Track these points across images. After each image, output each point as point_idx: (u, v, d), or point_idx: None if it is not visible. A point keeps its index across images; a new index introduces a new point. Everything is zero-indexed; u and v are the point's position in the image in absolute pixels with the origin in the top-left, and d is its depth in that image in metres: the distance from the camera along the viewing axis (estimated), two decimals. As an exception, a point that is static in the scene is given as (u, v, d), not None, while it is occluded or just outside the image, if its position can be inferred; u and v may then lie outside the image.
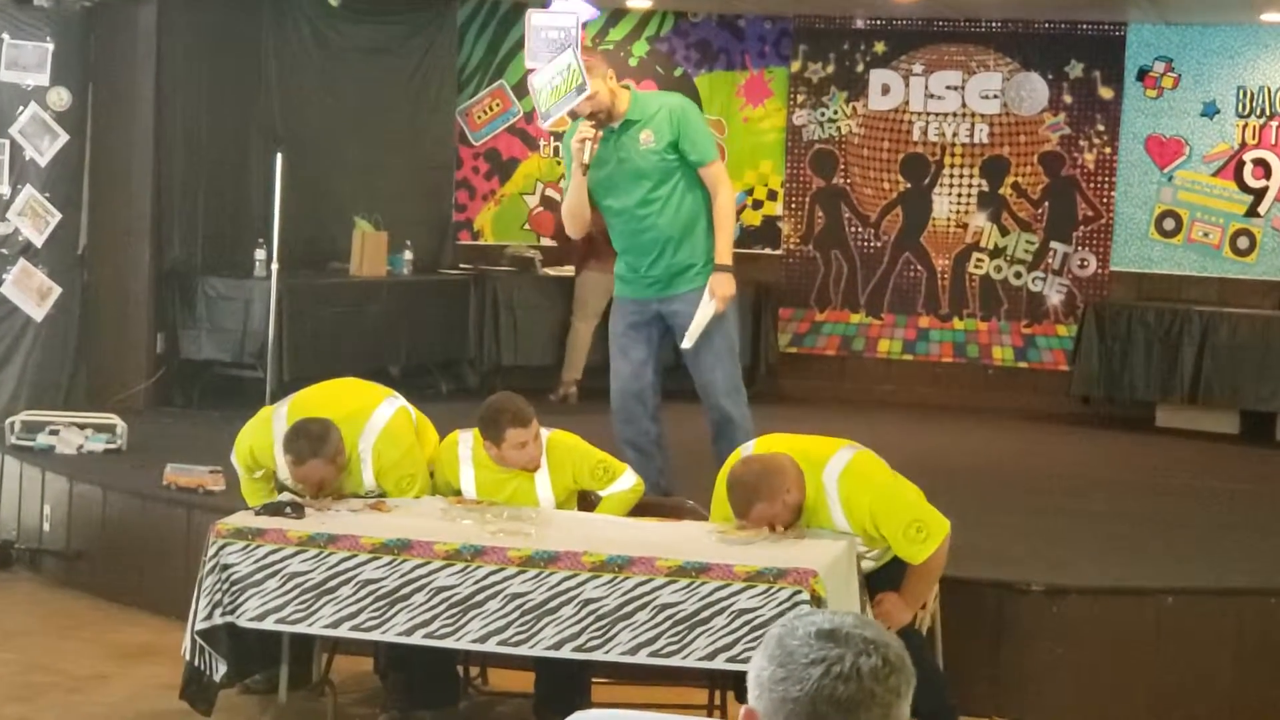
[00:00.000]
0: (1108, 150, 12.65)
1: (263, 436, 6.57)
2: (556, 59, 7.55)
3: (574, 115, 7.64)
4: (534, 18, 8.06)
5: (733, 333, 7.82)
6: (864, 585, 6.00)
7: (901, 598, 6.00)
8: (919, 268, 13.01)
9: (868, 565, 6.09)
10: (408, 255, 12.07)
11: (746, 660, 5.45)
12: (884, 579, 6.10)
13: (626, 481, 6.53)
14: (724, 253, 7.62)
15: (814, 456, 6.06)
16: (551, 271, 12.66)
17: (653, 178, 7.61)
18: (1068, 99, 12.72)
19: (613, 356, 7.93)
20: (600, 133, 7.55)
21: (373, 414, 6.55)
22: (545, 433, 6.52)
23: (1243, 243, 12.37)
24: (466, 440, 6.56)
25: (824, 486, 5.98)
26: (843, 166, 13.09)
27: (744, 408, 7.75)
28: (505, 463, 6.43)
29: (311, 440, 6.27)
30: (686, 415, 11.87)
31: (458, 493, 6.54)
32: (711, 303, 7.54)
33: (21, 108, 10.35)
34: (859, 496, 5.96)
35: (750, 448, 6.26)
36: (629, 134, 7.61)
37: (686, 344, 7.59)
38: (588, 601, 5.64)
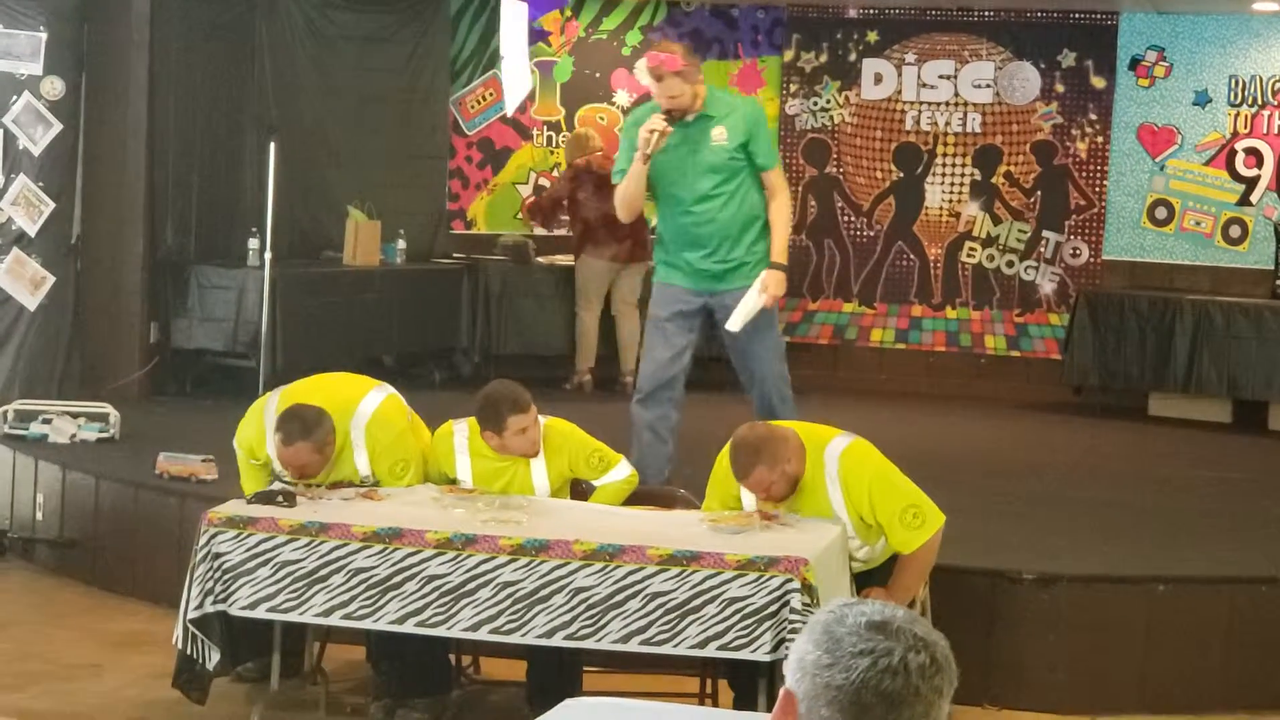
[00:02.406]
0: (1100, 139, 12.66)
1: (256, 428, 6.59)
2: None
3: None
4: (507, 8, 8.09)
5: (778, 325, 8.06)
6: (853, 579, 6.02)
7: (889, 592, 6.02)
8: (911, 257, 13.02)
9: (856, 566, 6.10)
10: (401, 244, 12.07)
11: (738, 648, 5.53)
12: (873, 579, 6.12)
13: (621, 472, 6.55)
14: (779, 252, 7.81)
15: (816, 437, 6.11)
16: (545, 260, 12.66)
17: (721, 173, 7.74)
18: (1060, 88, 12.73)
19: (650, 338, 8.01)
20: (671, 128, 7.64)
21: (363, 400, 6.58)
22: (541, 419, 6.54)
23: (1235, 231, 12.38)
24: (462, 430, 6.57)
25: (824, 465, 6.01)
26: (835, 156, 13.09)
27: (790, 393, 7.92)
28: (507, 450, 6.43)
29: (304, 424, 6.29)
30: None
31: (452, 482, 6.55)
32: (762, 296, 7.67)
33: (15, 97, 10.35)
34: (858, 477, 5.99)
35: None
36: (702, 127, 7.73)
37: (733, 327, 7.69)
38: (579, 590, 5.65)
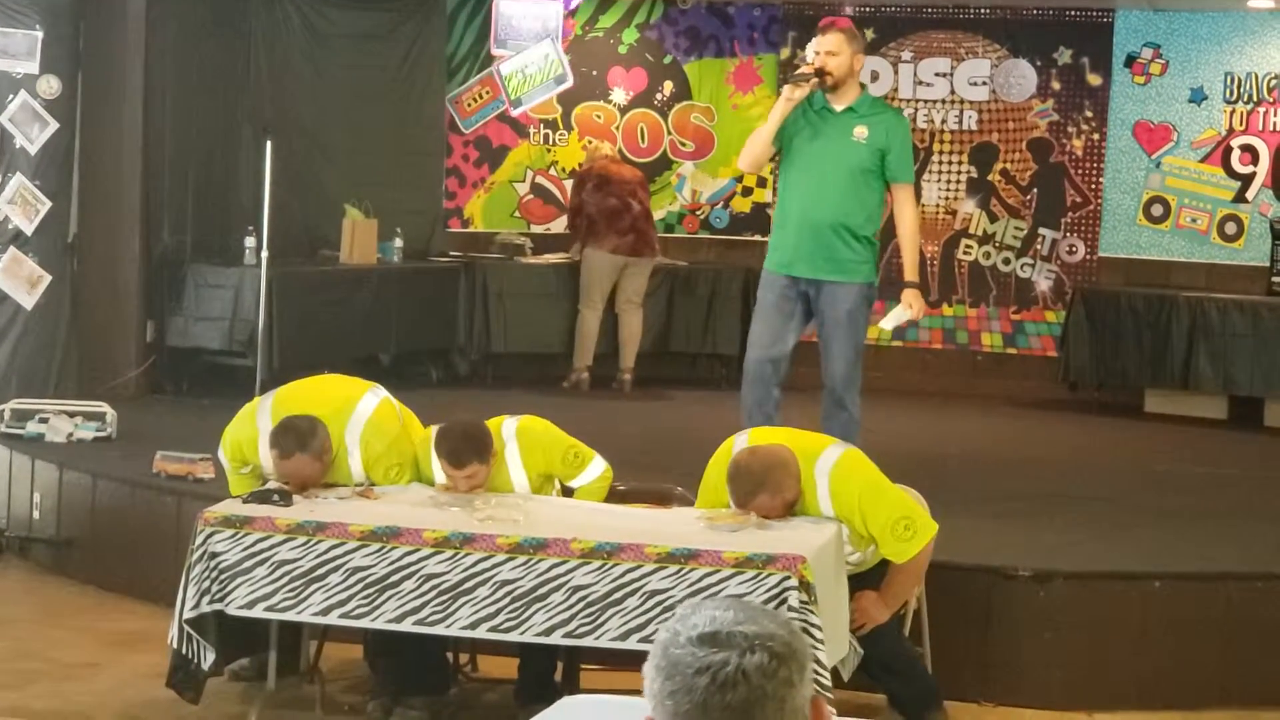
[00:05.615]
0: (1096, 136, 12.66)
1: (248, 431, 6.57)
2: (532, 48, 7.60)
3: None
4: (502, 5, 8.12)
5: (864, 334, 8.16)
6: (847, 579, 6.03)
7: (881, 597, 6.04)
8: (908, 254, 13.01)
9: (848, 570, 6.09)
10: (398, 243, 12.07)
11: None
12: (864, 581, 6.12)
13: (596, 469, 6.54)
14: (912, 269, 8.03)
15: (807, 449, 6.09)
16: (541, 259, 12.67)
17: (851, 168, 7.86)
18: (1056, 85, 12.73)
19: (755, 323, 8.16)
20: (815, 83, 7.82)
21: (358, 405, 6.56)
22: (513, 421, 6.53)
23: (1230, 228, 12.39)
24: None
25: (814, 478, 6.00)
26: (832, 153, 13.07)
27: (857, 397, 8.00)
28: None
29: (299, 436, 6.27)
30: (670, 403, 11.90)
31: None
32: (908, 312, 7.97)
33: (11, 96, 10.34)
34: (849, 489, 5.98)
35: (745, 438, 6.29)
36: (846, 121, 7.88)
37: (885, 325, 8.10)
38: (577, 588, 5.66)
